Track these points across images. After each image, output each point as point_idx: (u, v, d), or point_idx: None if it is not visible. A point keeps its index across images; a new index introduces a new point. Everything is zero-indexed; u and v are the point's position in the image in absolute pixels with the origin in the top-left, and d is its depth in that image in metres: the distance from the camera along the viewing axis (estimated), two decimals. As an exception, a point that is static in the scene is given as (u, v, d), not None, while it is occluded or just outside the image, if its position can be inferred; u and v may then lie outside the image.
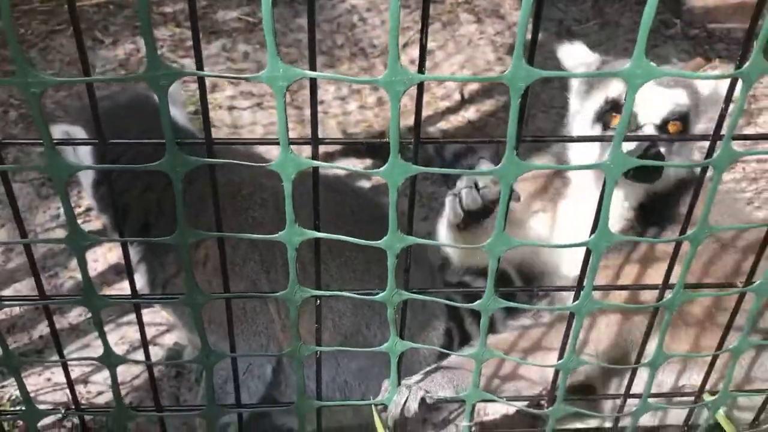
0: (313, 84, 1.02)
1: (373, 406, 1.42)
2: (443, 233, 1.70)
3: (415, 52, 3.47)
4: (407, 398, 1.41)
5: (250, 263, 1.67)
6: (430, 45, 3.56)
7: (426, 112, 3.15)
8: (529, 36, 1.02)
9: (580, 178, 1.73)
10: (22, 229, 1.16)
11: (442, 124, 3.09)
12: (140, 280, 1.72)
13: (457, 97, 3.25)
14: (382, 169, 1.02)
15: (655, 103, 1.58)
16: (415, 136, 1.04)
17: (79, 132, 1.64)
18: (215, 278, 1.62)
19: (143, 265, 1.76)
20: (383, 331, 1.71)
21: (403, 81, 0.96)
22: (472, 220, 1.55)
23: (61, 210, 2.49)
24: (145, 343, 1.30)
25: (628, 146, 1.49)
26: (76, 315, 2.19)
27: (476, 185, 1.49)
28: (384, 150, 1.02)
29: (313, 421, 1.45)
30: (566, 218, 1.75)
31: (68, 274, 2.30)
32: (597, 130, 1.63)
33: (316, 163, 1.04)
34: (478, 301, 1.18)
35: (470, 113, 3.16)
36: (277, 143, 1.03)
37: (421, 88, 1.01)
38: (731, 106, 1.10)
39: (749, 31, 1.01)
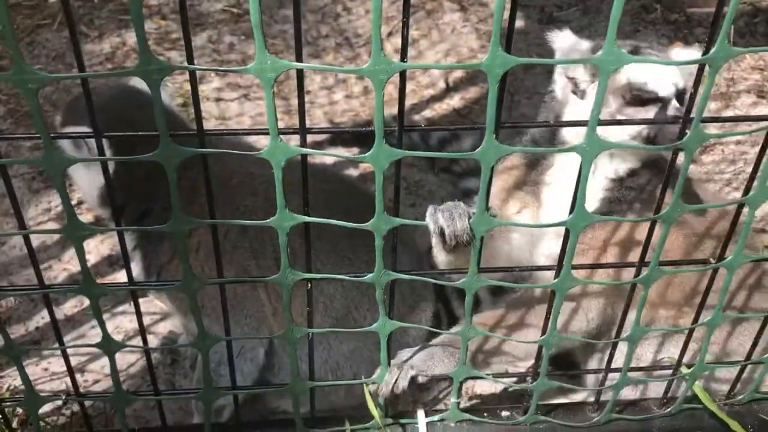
0: (300, 75, 1.06)
1: (364, 385, 1.47)
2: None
3: (399, 40, 3.47)
4: (398, 377, 1.46)
5: (240, 250, 1.71)
6: (414, 34, 3.60)
7: (411, 101, 3.19)
8: (506, 24, 1.07)
9: (561, 161, 1.75)
10: (21, 220, 1.19)
11: (427, 112, 3.13)
12: (135, 268, 1.75)
13: (441, 85, 3.29)
14: (367, 154, 1.07)
15: (669, 78, 1.56)
16: (399, 122, 1.08)
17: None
18: (207, 264, 1.67)
19: (138, 253, 1.80)
20: (373, 313, 1.76)
21: (386, 70, 1.00)
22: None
23: (53, 203, 2.52)
24: (142, 329, 1.34)
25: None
26: (71, 306, 2.23)
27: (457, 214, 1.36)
28: (370, 138, 1.06)
29: (307, 402, 1.50)
30: (553, 204, 1.75)
31: (62, 267, 2.33)
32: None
33: (304, 150, 1.09)
34: (462, 279, 1.23)
35: (455, 101, 3.20)
36: (267, 133, 1.08)
37: (403, 76, 1.05)
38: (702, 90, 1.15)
39: (715, 16, 1.05)
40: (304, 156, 1.13)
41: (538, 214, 1.72)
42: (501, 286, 1.36)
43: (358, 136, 2.59)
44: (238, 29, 3.56)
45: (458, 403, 1.50)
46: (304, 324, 1.37)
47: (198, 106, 1.06)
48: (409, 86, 3.31)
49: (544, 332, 1.34)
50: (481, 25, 3.70)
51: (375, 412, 1.50)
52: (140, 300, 1.92)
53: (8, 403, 1.53)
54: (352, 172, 2.69)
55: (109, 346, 1.32)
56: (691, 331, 1.47)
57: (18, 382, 1.99)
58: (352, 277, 1.27)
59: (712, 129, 1.11)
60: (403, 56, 1.02)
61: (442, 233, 1.29)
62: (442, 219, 1.26)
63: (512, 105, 3.15)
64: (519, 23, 3.65)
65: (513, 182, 1.77)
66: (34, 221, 2.45)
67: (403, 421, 1.55)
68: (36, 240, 2.35)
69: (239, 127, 2.94)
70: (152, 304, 2.22)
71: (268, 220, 1.15)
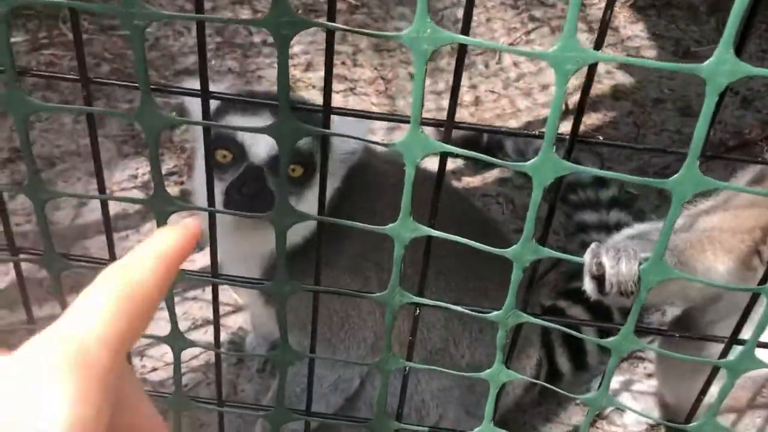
0: (462, 52, 0.85)
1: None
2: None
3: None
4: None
5: (366, 262, 1.51)
6: (537, 48, 3.36)
7: (525, 118, 2.96)
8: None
9: None
10: (102, 183, 1.03)
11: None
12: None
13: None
14: (529, 163, 0.85)
15: None
16: (573, 130, 0.86)
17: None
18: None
19: None
20: (472, 351, 1.54)
21: (576, 59, 0.78)
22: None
23: (140, 171, 2.40)
24: (216, 328, 1.16)
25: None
26: (141, 282, 2.09)
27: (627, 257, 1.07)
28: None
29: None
30: None
31: (138, 239, 2.20)
32: None
33: (448, 147, 0.87)
34: (611, 338, 0.99)
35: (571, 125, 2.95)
36: (406, 121, 0.87)
37: (593, 71, 0.83)
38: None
39: None
40: (444, 155, 0.92)
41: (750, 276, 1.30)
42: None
43: (467, 143, 2.37)
44: (351, 20, 3.40)
45: None
46: (401, 355, 1.15)
47: (330, 70, 0.87)
48: (524, 103, 3.08)
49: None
50: (608, 49, 3.44)
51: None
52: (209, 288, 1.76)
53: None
54: (454, 183, 2.48)
55: (176, 342, 1.14)
56: None
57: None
58: (471, 310, 1.05)
59: None
60: (599, 45, 0.80)
61: (599, 276, 1.04)
62: (606, 258, 1.01)
63: (637, 136, 2.88)
64: (652, 53, 3.37)
65: (743, 225, 1.34)
66: (119, 186, 2.34)
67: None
68: (116, 206, 2.23)
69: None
70: (225, 293, 2.06)
71: (386, 227, 0.94)
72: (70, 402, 0.42)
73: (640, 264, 0.97)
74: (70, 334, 0.46)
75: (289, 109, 0.87)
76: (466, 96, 3.06)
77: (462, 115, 2.96)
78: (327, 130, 0.91)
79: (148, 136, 0.88)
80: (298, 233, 1.42)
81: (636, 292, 0.92)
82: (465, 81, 3.10)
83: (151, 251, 0.56)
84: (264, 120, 1.44)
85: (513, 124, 2.90)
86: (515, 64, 3.23)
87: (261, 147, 1.43)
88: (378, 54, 3.20)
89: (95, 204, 2.27)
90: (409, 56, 3.23)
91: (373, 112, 0.87)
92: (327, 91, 0.89)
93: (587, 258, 1.07)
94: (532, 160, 0.85)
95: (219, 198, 1.40)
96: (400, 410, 1.22)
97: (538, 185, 0.85)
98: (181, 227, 0.60)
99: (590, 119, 2.99)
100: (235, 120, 1.45)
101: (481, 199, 2.43)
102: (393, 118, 0.95)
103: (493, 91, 3.03)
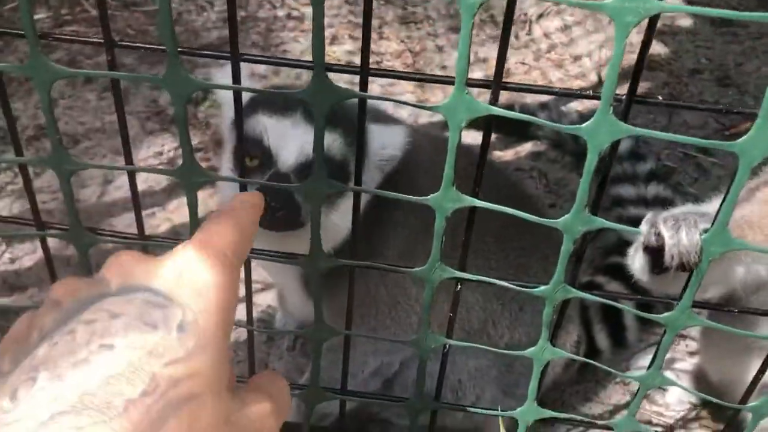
0: (512, 4, 0.79)
1: (500, 418, 1.20)
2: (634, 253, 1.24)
3: (549, 23, 3.19)
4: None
5: (417, 248, 1.45)
6: (568, 20, 3.27)
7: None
8: None
9: None
10: (129, 154, 0.99)
11: (575, 105, 2.80)
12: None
13: (593, 78, 2.95)
14: (585, 125, 0.79)
15: None
16: (631, 87, 0.80)
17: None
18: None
19: None
20: (512, 332, 1.49)
21: (637, 9, 0.71)
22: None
23: (165, 147, 2.36)
24: (249, 305, 1.12)
25: None
26: (169, 260, 2.06)
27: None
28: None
29: (425, 422, 1.24)
30: None
31: (165, 216, 2.17)
32: None
33: (495, 109, 0.81)
34: (667, 314, 0.93)
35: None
36: (451, 82, 0.82)
37: (654, 22, 0.77)
38: None
39: None
40: (489, 118, 0.86)
41: None
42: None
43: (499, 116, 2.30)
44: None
45: None
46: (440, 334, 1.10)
47: (368, 33, 0.81)
48: (556, 75, 3.00)
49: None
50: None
51: (507, 451, 1.23)
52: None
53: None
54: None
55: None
56: None
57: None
58: (518, 285, 0.99)
59: None
60: None
61: (657, 249, 0.96)
62: (665, 228, 0.94)
63: (671, 114, 2.78)
64: (687, 22, 3.26)
65: None
66: (144, 163, 2.30)
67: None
68: (142, 184, 2.20)
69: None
70: (254, 271, 2.02)
71: (428, 197, 0.89)
72: (217, 286, 0.63)
73: (700, 234, 0.90)
74: (212, 243, 0.66)
75: (324, 72, 0.82)
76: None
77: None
78: (364, 93, 0.85)
79: (176, 101, 0.83)
80: (340, 232, 1.35)
81: (696, 265, 0.86)
82: (494, 52, 3.01)
83: (248, 199, 0.78)
84: (294, 121, 1.37)
85: (544, 96, 2.81)
86: (546, 35, 3.14)
87: (290, 152, 1.35)
88: (405, 26, 3.13)
89: (121, 181, 2.24)
90: (436, 28, 3.15)
91: (412, 72, 0.81)
92: (365, 50, 0.83)
93: (644, 228, 1.00)
94: (588, 122, 0.79)
95: None
96: (439, 389, 1.17)
97: (594, 149, 0.79)
98: (251, 194, 0.81)
99: (622, 91, 2.89)
100: (263, 120, 1.38)
101: (513, 173, 2.36)
102: (435, 78, 0.90)
103: (523, 63, 2.94)
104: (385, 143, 1.39)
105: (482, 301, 1.51)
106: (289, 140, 1.34)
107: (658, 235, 0.95)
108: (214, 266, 0.64)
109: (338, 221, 1.33)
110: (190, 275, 0.63)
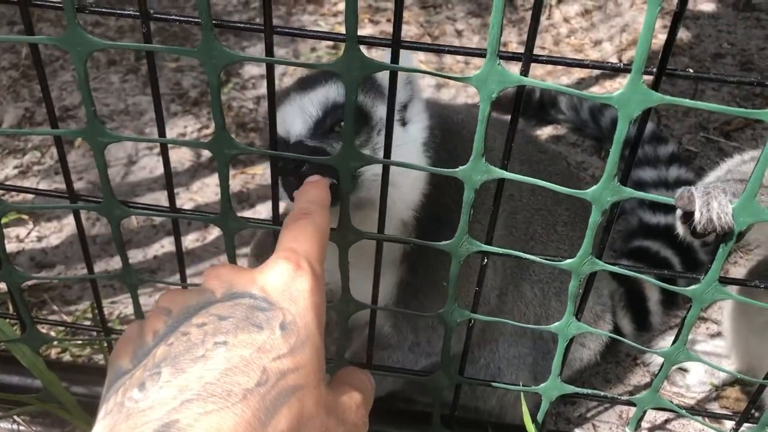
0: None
1: (522, 394, 1.21)
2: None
3: (569, 8, 3.17)
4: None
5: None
6: (588, 4, 3.25)
7: (578, 75, 2.86)
8: None
9: None
10: (162, 126, 1.00)
11: (596, 89, 2.79)
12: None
13: (614, 60, 2.93)
14: (615, 93, 0.79)
15: None
16: (663, 56, 0.80)
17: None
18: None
19: None
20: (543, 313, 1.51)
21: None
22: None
23: (188, 129, 2.38)
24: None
25: None
26: (193, 239, 2.09)
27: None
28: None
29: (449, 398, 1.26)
30: None
31: (189, 196, 2.19)
32: None
33: (527, 80, 0.82)
34: (693, 287, 0.94)
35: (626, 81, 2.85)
36: (482, 54, 0.83)
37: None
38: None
39: None
40: (521, 89, 0.87)
41: None
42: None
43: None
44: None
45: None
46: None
47: (401, 9, 0.82)
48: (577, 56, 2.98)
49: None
50: (663, 4, 3.30)
51: (530, 427, 1.24)
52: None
53: (117, 336, 1.38)
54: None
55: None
56: None
57: (129, 310, 1.86)
58: (546, 259, 1.00)
59: None
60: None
61: (690, 219, 0.96)
62: (698, 199, 0.93)
63: (695, 92, 2.76)
64: (710, 6, 3.23)
65: None
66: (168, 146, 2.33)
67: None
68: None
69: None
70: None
71: (456, 169, 0.90)
72: (307, 291, 0.73)
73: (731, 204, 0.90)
74: (298, 253, 0.76)
75: (357, 44, 0.83)
76: (527, 41, 2.97)
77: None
78: (395, 65, 0.86)
79: (210, 73, 0.85)
80: (401, 213, 1.33)
81: (730, 230, 0.86)
82: (514, 37, 3.01)
83: (315, 200, 0.88)
84: None
85: (564, 80, 2.80)
86: (566, 19, 3.12)
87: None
88: (425, 11, 3.13)
89: (145, 162, 2.27)
90: (455, 13, 3.15)
91: (442, 45, 0.81)
92: (397, 22, 0.84)
93: (678, 199, 0.99)
94: (619, 91, 0.79)
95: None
96: (463, 364, 1.19)
97: (624, 117, 0.80)
98: (318, 183, 0.93)
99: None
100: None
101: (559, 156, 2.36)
102: (467, 51, 0.90)
103: (543, 47, 2.93)
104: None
105: (541, 298, 1.52)
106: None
107: (689, 200, 0.95)
108: (302, 275, 0.73)
109: (398, 197, 1.29)
110: (283, 284, 0.72)
